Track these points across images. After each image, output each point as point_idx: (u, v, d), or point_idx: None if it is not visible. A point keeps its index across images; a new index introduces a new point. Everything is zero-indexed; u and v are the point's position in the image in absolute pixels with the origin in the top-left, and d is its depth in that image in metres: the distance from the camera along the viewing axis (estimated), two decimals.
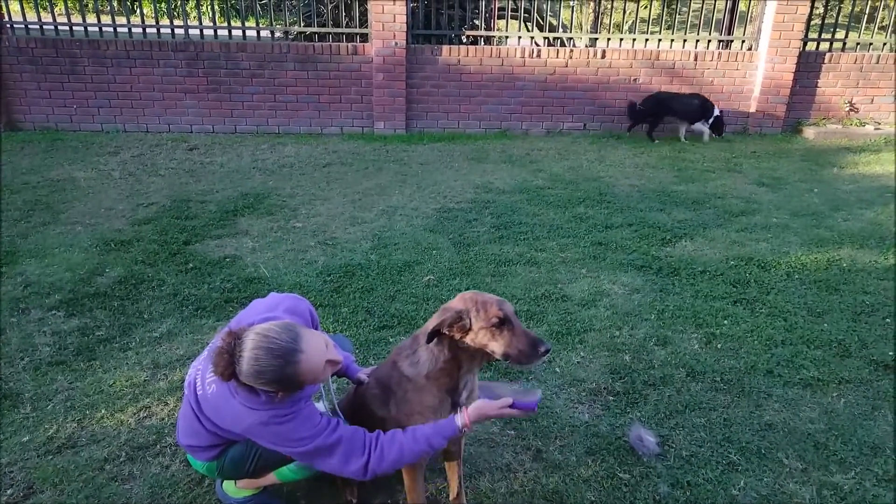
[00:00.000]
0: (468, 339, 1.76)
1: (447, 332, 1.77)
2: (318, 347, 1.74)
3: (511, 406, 1.78)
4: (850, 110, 7.79)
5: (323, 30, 7.48)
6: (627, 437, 2.47)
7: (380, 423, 1.92)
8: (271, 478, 2.04)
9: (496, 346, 1.74)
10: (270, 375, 1.68)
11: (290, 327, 1.74)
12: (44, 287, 3.64)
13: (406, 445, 1.75)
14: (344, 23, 7.50)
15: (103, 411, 2.61)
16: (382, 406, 1.92)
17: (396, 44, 7.18)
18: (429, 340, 1.78)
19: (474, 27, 7.85)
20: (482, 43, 7.67)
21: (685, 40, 7.71)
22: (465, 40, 7.93)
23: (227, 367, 1.70)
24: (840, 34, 7.83)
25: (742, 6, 7.96)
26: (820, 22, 7.74)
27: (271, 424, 1.74)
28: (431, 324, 1.79)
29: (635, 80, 7.61)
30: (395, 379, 1.88)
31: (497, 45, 7.68)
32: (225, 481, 2.11)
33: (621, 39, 7.72)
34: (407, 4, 7.10)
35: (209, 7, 7.88)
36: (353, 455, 1.74)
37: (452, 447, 2.02)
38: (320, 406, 2.11)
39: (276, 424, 1.74)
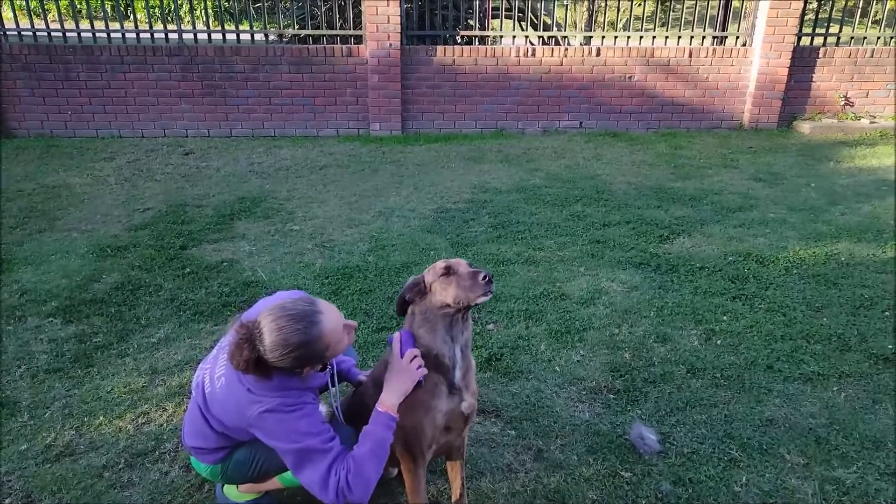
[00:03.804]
0: (428, 301, 1.85)
1: (409, 299, 1.87)
2: (334, 310, 1.80)
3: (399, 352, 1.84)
4: (846, 104, 7.79)
5: (317, 32, 7.47)
6: (628, 435, 2.46)
7: None
8: (274, 482, 2.03)
9: (448, 295, 1.81)
10: (297, 339, 1.69)
11: (302, 296, 1.79)
12: (40, 294, 3.62)
13: (357, 454, 1.73)
14: (338, 25, 7.49)
15: (101, 418, 2.60)
16: None
17: (391, 45, 7.17)
18: (399, 312, 1.90)
19: (468, 27, 7.84)
20: (477, 43, 7.66)
21: (679, 37, 7.71)
22: (459, 40, 7.91)
23: (250, 354, 1.69)
24: (834, 28, 7.84)
25: (735, 2, 7.96)
26: (813, 17, 7.75)
27: (277, 412, 1.73)
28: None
29: (630, 77, 7.61)
30: None
31: (492, 44, 7.67)
32: (226, 485, 2.10)
33: (616, 37, 7.71)
34: (401, 5, 7.09)
35: (203, 11, 7.87)
36: (332, 473, 1.71)
37: (456, 441, 2.01)
38: (324, 409, 2.10)
39: (282, 412, 1.73)
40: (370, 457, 1.73)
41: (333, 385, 1.97)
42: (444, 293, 1.81)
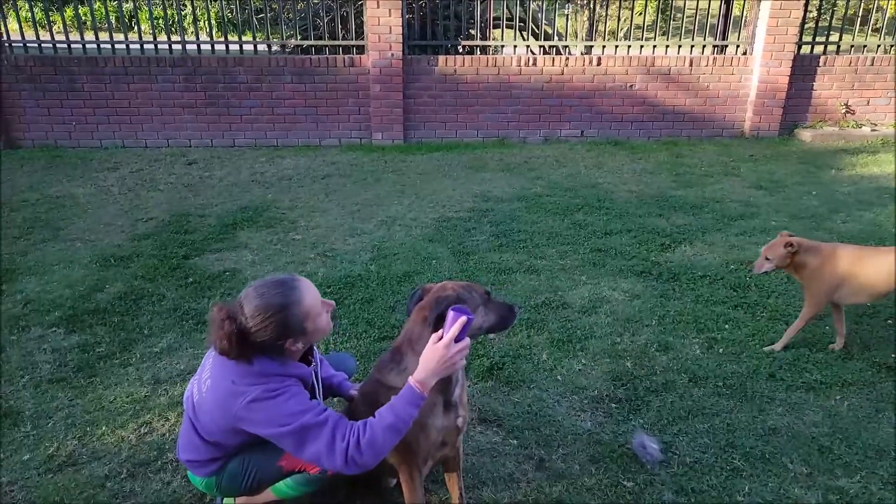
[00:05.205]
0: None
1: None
2: (311, 285, 1.89)
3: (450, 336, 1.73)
4: (846, 112, 7.81)
5: (319, 42, 7.52)
6: (631, 445, 2.46)
7: None
8: (268, 494, 2.04)
9: (488, 319, 1.87)
10: (277, 301, 1.78)
11: (281, 275, 1.90)
12: (44, 304, 3.64)
13: (376, 424, 1.72)
14: (340, 35, 7.54)
15: (104, 428, 2.60)
16: None
17: (393, 55, 7.21)
18: (435, 327, 1.79)
19: (470, 37, 7.88)
20: (478, 52, 7.70)
21: (680, 46, 7.74)
22: (461, 50, 7.96)
23: (231, 328, 1.73)
24: (834, 37, 7.87)
25: (736, 11, 8.00)
26: (814, 25, 7.78)
27: (262, 400, 1.74)
28: (415, 324, 1.85)
29: (631, 86, 7.63)
30: (381, 393, 1.87)
31: (493, 54, 7.71)
32: (224, 498, 2.10)
33: (616, 46, 7.75)
34: (402, 16, 7.14)
35: (206, 22, 7.93)
36: (338, 438, 1.70)
37: (451, 453, 2.01)
38: None
39: (267, 399, 1.74)
40: (389, 430, 1.70)
41: (316, 397, 1.98)
42: (485, 319, 1.86)
